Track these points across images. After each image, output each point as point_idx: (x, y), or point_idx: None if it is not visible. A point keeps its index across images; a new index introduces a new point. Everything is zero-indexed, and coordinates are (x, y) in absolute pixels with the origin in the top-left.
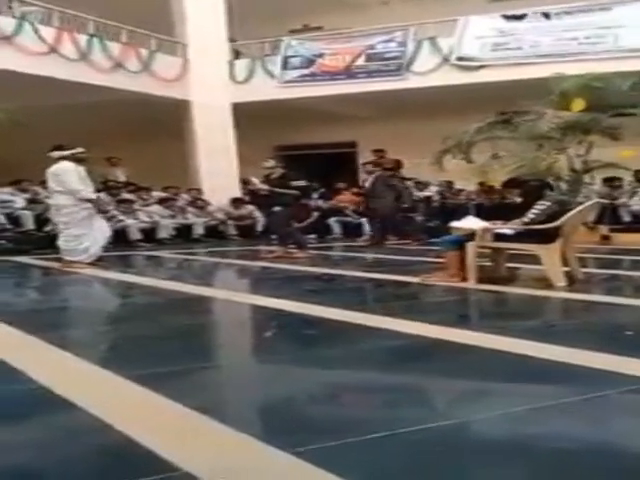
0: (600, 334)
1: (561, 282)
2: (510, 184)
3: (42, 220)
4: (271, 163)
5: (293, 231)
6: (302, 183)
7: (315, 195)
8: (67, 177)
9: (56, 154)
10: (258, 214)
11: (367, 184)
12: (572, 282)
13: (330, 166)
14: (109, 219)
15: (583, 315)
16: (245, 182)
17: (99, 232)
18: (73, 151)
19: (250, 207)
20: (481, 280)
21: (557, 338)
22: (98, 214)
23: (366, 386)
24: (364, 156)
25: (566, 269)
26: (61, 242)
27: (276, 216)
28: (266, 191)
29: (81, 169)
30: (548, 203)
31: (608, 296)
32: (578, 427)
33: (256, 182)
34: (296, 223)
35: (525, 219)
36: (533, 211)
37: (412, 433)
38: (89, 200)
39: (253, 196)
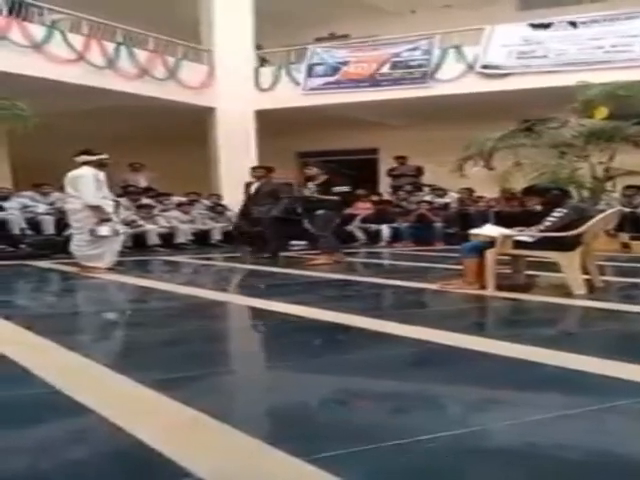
0: (618, 343)
1: (580, 290)
2: (530, 192)
3: (63, 225)
4: (314, 171)
5: (330, 236)
6: (345, 189)
7: None
8: (82, 182)
9: (81, 159)
10: None
11: (252, 190)
12: (591, 290)
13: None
14: (128, 224)
15: (601, 323)
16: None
17: (114, 238)
18: (99, 157)
19: None
20: (499, 287)
21: (574, 346)
22: (101, 222)
23: (380, 393)
24: (385, 163)
25: (586, 277)
26: (73, 247)
27: (318, 219)
28: (311, 198)
29: (101, 175)
30: (565, 211)
31: (627, 304)
32: (594, 437)
33: (311, 189)
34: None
35: (541, 227)
36: (550, 219)
37: (425, 441)
38: (91, 207)
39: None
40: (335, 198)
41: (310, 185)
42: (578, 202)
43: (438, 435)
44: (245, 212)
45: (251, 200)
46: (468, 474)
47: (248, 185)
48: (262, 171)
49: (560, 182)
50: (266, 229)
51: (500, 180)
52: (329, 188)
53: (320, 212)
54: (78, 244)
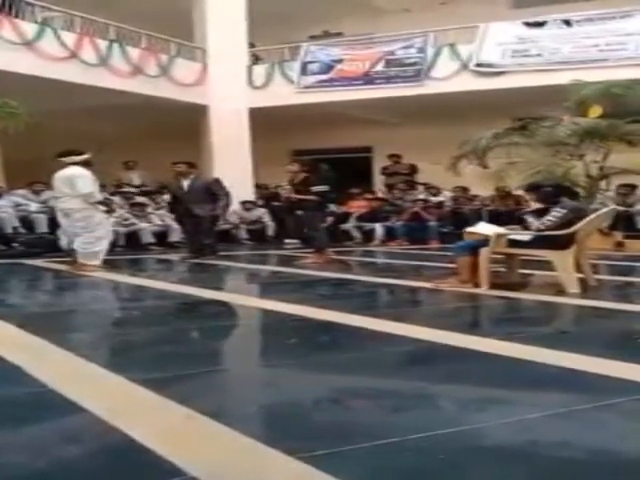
0: (612, 341)
1: (574, 289)
2: (531, 189)
3: (55, 223)
4: (295, 167)
5: (320, 235)
6: (323, 188)
7: None
8: (83, 182)
9: (70, 159)
10: (267, 218)
11: (184, 187)
12: (585, 289)
13: (345, 171)
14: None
15: (595, 322)
16: (260, 187)
17: (107, 235)
18: (86, 156)
19: (262, 210)
20: (493, 286)
21: (569, 345)
22: (107, 214)
23: (375, 392)
24: (380, 161)
25: (579, 275)
26: (82, 245)
27: (300, 220)
28: (292, 198)
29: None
30: (564, 211)
31: (621, 303)
32: (589, 435)
33: (286, 190)
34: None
35: (540, 225)
36: (548, 217)
37: (421, 440)
38: (101, 202)
39: (268, 200)
40: (312, 198)
41: (285, 186)
42: (576, 201)
43: (434, 433)
44: (184, 210)
45: (185, 198)
46: (464, 472)
47: (171, 183)
48: (185, 167)
49: (555, 180)
50: (205, 228)
51: (494, 178)
52: (307, 187)
53: (300, 212)
54: (87, 241)
